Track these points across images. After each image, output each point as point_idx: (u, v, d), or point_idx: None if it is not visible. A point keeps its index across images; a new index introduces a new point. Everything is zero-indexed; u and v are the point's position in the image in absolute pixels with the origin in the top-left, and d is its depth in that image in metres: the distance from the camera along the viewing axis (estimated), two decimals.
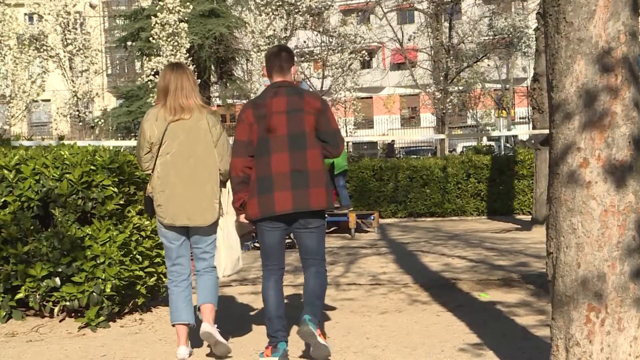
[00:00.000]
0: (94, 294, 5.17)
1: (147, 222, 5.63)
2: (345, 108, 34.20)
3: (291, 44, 26.17)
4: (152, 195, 4.55)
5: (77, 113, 28.36)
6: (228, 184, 4.58)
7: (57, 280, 5.19)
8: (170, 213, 4.47)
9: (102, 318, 5.28)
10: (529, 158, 14.58)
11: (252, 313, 5.90)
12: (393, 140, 29.08)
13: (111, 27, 38.82)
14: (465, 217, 15.20)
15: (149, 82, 25.94)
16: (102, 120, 30.51)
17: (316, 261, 4.44)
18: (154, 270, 5.73)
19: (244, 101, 33.87)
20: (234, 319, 5.69)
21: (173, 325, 4.58)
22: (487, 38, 29.95)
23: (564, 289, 3.06)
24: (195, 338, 4.73)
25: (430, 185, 15.30)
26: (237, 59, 33.16)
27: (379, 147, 37.64)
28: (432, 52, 29.22)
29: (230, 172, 4.41)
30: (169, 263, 4.66)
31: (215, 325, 4.55)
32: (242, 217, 4.43)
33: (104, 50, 34.25)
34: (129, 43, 32.85)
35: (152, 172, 4.56)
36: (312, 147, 4.34)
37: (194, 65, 26.53)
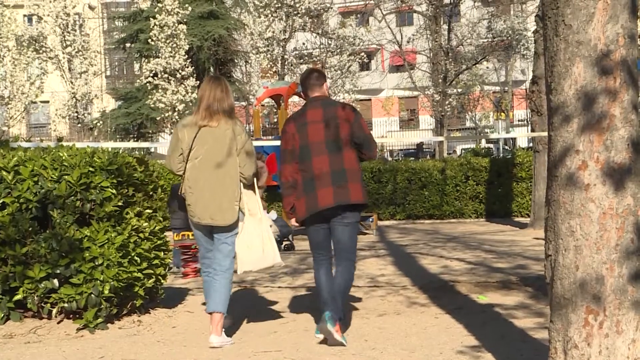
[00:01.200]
0: (92, 295, 5.17)
1: (145, 224, 5.63)
2: None
3: (290, 46, 26.22)
4: (185, 195, 5.01)
5: (75, 114, 28.37)
6: (256, 188, 5.06)
7: (56, 281, 5.18)
8: (198, 213, 4.92)
9: (100, 320, 5.27)
10: (527, 160, 14.59)
11: (250, 315, 5.89)
12: (422, 142, 29.27)
13: (110, 28, 38.84)
14: (464, 220, 15.21)
15: (147, 84, 25.96)
16: (101, 122, 30.51)
17: (348, 256, 4.94)
18: (152, 272, 5.72)
19: (243, 103, 33.94)
20: (232, 320, 5.69)
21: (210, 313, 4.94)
22: (486, 40, 29.99)
23: (563, 292, 3.06)
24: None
25: (429, 188, 15.31)
26: (236, 60, 33.19)
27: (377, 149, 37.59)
28: (431, 54, 29.24)
29: (281, 178, 4.95)
30: (200, 256, 5.23)
31: (223, 331, 4.91)
32: (293, 221, 4.97)
33: (102, 51, 34.25)
34: (127, 45, 32.87)
35: (183, 174, 5.00)
36: (348, 150, 4.86)
37: (193, 67, 26.53)
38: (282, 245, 10.51)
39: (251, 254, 4.98)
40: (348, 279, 4.93)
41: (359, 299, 6.38)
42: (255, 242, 4.98)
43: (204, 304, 5.44)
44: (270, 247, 5.04)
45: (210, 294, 4.96)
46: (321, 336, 4.80)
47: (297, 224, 4.99)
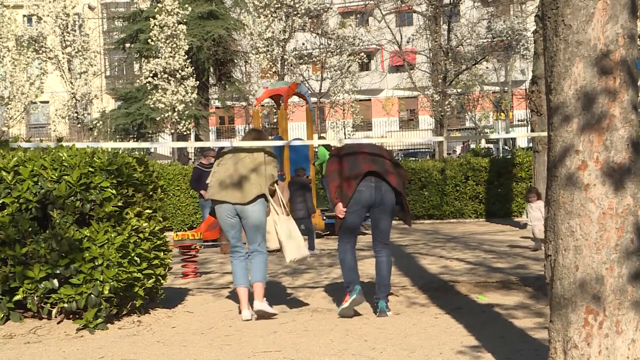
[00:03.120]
0: (92, 295, 5.17)
1: (145, 224, 5.63)
2: (343, 110, 34.25)
3: (290, 46, 26.20)
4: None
5: (75, 115, 28.36)
6: (278, 192, 6.02)
7: (55, 282, 5.18)
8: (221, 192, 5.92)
9: (100, 320, 5.27)
10: (527, 160, 14.59)
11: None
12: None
13: (110, 29, 38.83)
14: (464, 220, 15.21)
15: (147, 84, 25.96)
16: (101, 122, 30.52)
17: (385, 244, 5.84)
18: (152, 272, 5.72)
19: (243, 103, 33.94)
20: (232, 321, 5.70)
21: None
22: (485, 41, 29.96)
23: (562, 292, 3.06)
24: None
25: (429, 188, 15.31)
26: (235, 61, 33.19)
27: None
28: (431, 54, 29.20)
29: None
30: (231, 248, 6.04)
31: (265, 299, 5.81)
32: (340, 206, 5.70)
33: (102, 52, 34.24)
34: (127, 45, 32.87)
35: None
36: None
37: (193, 68, 26.51)
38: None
39: (292, 243, 5.99)
40: (390, 266, 5.88)
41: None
42: (294, 233, 6.01)
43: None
44: (303, 241, 6.11)
45: (251, 269, 5.89)
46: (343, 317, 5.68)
47: (343, 211, 5.72)
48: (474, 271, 7.67)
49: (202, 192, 12.40)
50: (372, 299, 5.91)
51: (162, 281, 6.01)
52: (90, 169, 5.31)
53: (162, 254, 5.95)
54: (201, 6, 30.30)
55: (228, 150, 6.13)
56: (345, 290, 5.83)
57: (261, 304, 5.79)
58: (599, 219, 3.00)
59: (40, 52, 27.65)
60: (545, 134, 3.40)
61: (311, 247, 10.39)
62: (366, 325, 5.40)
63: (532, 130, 13.16)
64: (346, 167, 5.75)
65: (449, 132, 34.07)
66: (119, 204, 5.41)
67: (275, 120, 30.32)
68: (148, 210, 5.79)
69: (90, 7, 39.03)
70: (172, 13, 25.38)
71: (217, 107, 37.65)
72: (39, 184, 5.24)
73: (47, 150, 5.57)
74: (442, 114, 27.36)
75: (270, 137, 8.91)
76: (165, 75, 25.45)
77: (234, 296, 6.75)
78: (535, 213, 9.62)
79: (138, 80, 31.02)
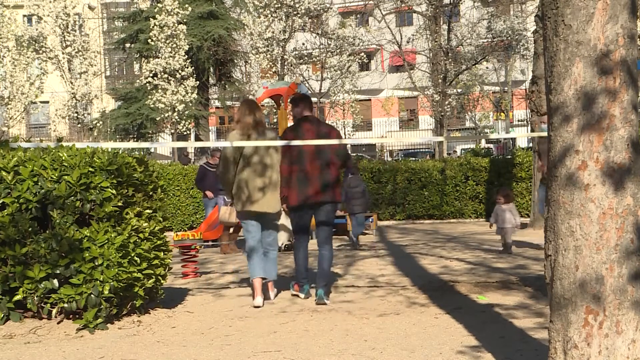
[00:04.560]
0: (92, 295, 5.16)
1: (145, 224, 5.62)
2: (343, 110, 34.27)
3: (290, 46, 26.21)
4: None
5: (75, 115, 28.38)
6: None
7: (55, 282, 5.18)
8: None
9: (100, 320, 5.27)
10: (527, 161, 14.61)
11: (250, 314, 5.89)
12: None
13: (110, 29, 38.85)
14: (464, 220, 15.22)
15: (147, 84, 25.98)
16: (101, 122, 30.55)
17: (325, 243, 6.59)
18: (152, 272, 5.71)
19: None
20: (232, 321, 5.69)
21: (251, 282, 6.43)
22: (485, 41, 29.99)
23: (562, 292, 3.06)
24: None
25: (429, 188, 15.32)
26: (235, 61, 33.22)
27: (377, 150, 37.72)
28: (431, 54, 29.23)
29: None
30: (249, 245, 6.53)
31: (275, 290, 6.65)
32: (284, 206, 6.44)
33: (102, 52, 34.25)
34: (127, 45, 32.90)
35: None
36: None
37: (193, 67, 26.52)
38: (283, 246, 10.51)
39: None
40: (332, 258, 6.68)
41: (359, 299, 6.38)
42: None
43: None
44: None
45: (260, 264, 6.43)
46: (301, 294, 6.52)
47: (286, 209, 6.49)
48: (474, 271, 7.67)
49: (206, 192, 12.41)
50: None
51: (162, 281, 6.01)
52: (90, 169, 5.30)
53: (162, 254, 5.95)
54: (201, 6, 30.33)
55: (231, 149, 6.36)
56: (297, 281, 6.65)
57: (273, 294, 6.61)
58: (599, 219, 3.00)
59: (40, 52, 27.68)
60: (545, 134, 3.40)
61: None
62: (366, 325, 5.40)
63: (532, 130, 13.17)
64: (295, 177, 6.35)
65: (449, 132, 34.09)
66: (119, 204, 5.41)
67: (275, 120, 30.32)
68: (148, 210, 5.79)
69: (90, 7, 39.04)
70: (172, 13, 25.41)
71: (217, 107, 37.66)
72: (39, 184, 5.23)
73: (47, 150, 5.57)
74: (442, 114, 27.38)
75: None
76: (165, 75, 25.47)
77: (234, 296, 6.75)
78: (507, 215, 9.31)
79: (138, 80, 31.06)
